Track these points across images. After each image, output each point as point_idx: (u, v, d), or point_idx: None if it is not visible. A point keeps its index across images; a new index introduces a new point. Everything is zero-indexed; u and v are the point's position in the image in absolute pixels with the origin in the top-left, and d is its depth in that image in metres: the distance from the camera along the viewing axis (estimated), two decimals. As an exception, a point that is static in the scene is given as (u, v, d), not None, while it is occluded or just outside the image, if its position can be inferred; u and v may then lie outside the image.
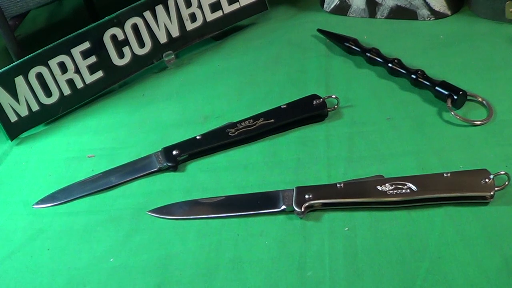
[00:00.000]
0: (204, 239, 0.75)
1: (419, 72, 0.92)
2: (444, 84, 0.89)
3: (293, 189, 0.77)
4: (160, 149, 0.90)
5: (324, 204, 0.75)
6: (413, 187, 0.72)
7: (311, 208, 0.75)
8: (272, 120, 0.90)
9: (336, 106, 0.92)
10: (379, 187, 0.74)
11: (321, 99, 0.92)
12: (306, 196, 0.75)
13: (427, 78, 0.91)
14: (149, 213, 0.80)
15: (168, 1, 1.10)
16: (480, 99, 0.87)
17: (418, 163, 0.80)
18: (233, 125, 0.91)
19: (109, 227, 0.80)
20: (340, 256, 0.69)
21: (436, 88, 0.89)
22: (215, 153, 0.90)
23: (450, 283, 0.64)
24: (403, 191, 0.72)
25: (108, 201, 0.85)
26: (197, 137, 0.91)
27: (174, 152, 0.89)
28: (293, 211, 0.75)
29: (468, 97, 0.88)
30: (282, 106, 0.93)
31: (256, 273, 0.69)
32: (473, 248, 0.67)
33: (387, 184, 0.73)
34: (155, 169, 0.88)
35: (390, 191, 0.73)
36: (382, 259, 0.68)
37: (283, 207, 0.76)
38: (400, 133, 0.85)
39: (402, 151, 0.82)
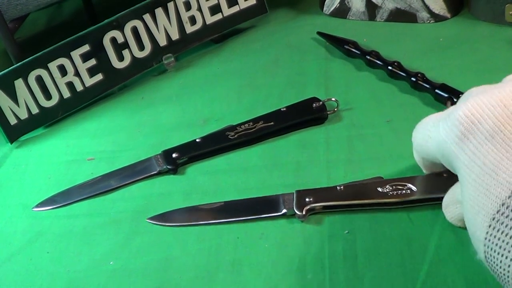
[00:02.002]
0: (203, 242, 0.75)
1: (418, 74, 0.92)
2: (444, 87, 0.89)
3: (293, 193, 0.77)
4: (160, 152, 0.90)
5: (324, 207, 0.75)
6: (413, 188, 0.72)
7: (312, 211, 0.75)
8: (272, 123, 0.90)
9: (335, 109, 0.92)
10: (379, 189, 0.73)
11: (320, 102, 0.92)
12: (307, 199, 0.75)
13: (426, 80, 0.91)
14: (149, 221, 0.80)
15: (167, 4, 1.11)
16: (479, 102, 0.87)
17: (417, 166, 0.79)
18: (232, 128, 0.91)
19: (109, 230, 0.80)
20: (340, 259, 0.69)
21: (436, 91, 0.89)
22: (214, 156, 0.90)
23: (450, 286, 0.64)
24: (403, 191, 0.72)
25: (108, 204, 0.85)
26: (197, 140, 0.91)
27: (174, 155, 0.89)
28: (294, 214, 0.75)
29: (468, 100, 0.87)
30: (281, 109, 0.93)
31: (256, 276, 0.69)
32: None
33: (387, 186, 0.73)
34: (155, 172, 0.88)
35: (391, 192, 0.73)
36: (382, 262, 0.68)
37: (284, 211, 0.76)
38: (400, 136, 0.85)
39: (402, 154, 0.82)
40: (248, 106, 0.98)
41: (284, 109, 0.93)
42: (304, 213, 0.74)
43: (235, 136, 0.90)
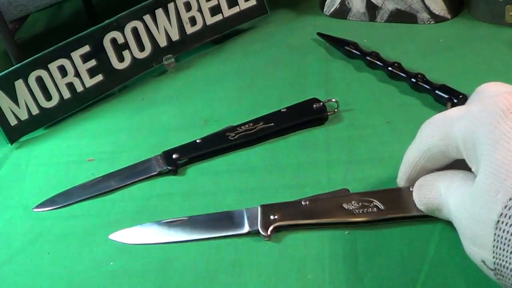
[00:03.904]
0: (204, 242, 0.75)
1: (419, 75, 0.92)
2: (444, 88, 0.89)
3: (257, 208, 0.75)
4: (160, 153, 0.90)
5: (290, 225, 0.73)
6: (380, 206, 0.71)
7: (278, 229, 0.73)
8: (272, 124, 0.90)
9: (336, 110, 0.92)
10: (345, 205, 0.72)
11: (321, 103, 0.92)
12: (271, 217, 0.73)
13: (427, 81, 0.91)
14: (111, 238, 0.78)
15: (168, 4, 1.11)
16: (480, 103, 0.87)
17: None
18: (233, 128, 0.91)
19: (109, 231, 0.79)
20: (340, 260, 0.69)
21: (436, 91, 0.89)
22: (215, 156, 0.90)
23: (451, 287, 0.64)
24: (370, 210, 0.71)
25: (108, 204, 0.85)
26: (197, 141, 0.91)
27: (174, 156, 0.89)
28: (258, 233, 0.73)
29: (468, 101, 0.88)
30: (282, 110, 0.93)
31: (256, 277, 0.69)
32: (473, 252, 0.67)
33: (353, 202, 0.72)
34: (155, 173, 0.88)
35: (357, 210, 0.71)
36: (382, 262, 0.68)
37: (248, 229, 0.74)
38: (400, 137, 0.85)
39: (402, 155, 0.81)
40: (249, 107, 0.98)
41: (285, 110, 0.93)
42: (269, 233, 0.72)
43: (236, 137, 0.90)
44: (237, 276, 0.70)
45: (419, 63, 0.98)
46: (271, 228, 0.73)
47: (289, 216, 0.74)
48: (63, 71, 1.04)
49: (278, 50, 1.13)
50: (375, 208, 0.71)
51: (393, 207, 0.71)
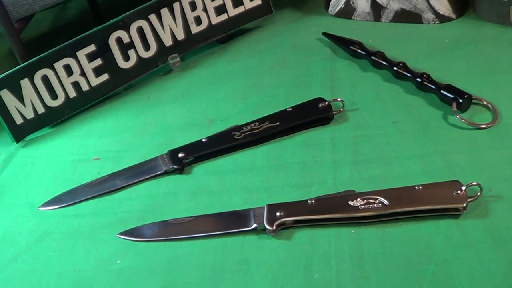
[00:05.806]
0: (210, 241, 0.75)
1: (424, 75, 0.92)
2: (449, 88, 0.89)
3: (264, 207, 0.76)
4: (166, 152, 0.91)
5: (295, 221, 0.75)
6: (385, 201, 0.72)
7: (283, 226, 0.75)
8: (278, 123, 0.91)
9: (341, 109, 0.92)
10: (350, 202, 0.73)
11: (326, 102, 0.92)
12: (277, 214, 0.74)
13: (432, 81, 0.91)
14: (119, 236, 0.79)
15: (173, 4, 1.11)
16: (485, 103, 0.87)
17: (423, 166, 0.80)
18: (238, 128, 0.91)
19: (116, 229, 0.80)
20: (347, 259, 0.69)
21: (441, 91, 0.89)
22: (220, 156, 0.90)
23: (456, 286, 0.64)
24: (375, 205, 0.72)
25: (114, 203, 0.85)
26: (203, 140, 0.91)
27: (180, 155, 0.89)
28: (264, 229, 0.74)
29: (473, 101, 0.88)
30: (287, 109, 0.93)
31: (263, 276, 0.69)
32: (479, 252, 0.67)
33: (358, 199, 0.73)
34: (161, 172, 0.88)
35: (362, 206, 0.72)
36: (388, 262, 0.68)
37: (255, 225, 0.75)
38: (405, 136, 0.86)
39: (408, 155, 0.82)
40: (254, 106, 0.98)
41: (290, 109, 0.93)
42: (274, 228, 0.73)
43: (241, 136, 0.90)
44: (243, 274, 0.70)
45: (424, 63, 0.98)
46: (277, 223, 0.74)
47: (295, 213, 0.74)
48: (68, 70, 1.04)
49: (283, 50, 1.14)
50: (380, 204, 0.72)
51: (398, 203, 0.72)
